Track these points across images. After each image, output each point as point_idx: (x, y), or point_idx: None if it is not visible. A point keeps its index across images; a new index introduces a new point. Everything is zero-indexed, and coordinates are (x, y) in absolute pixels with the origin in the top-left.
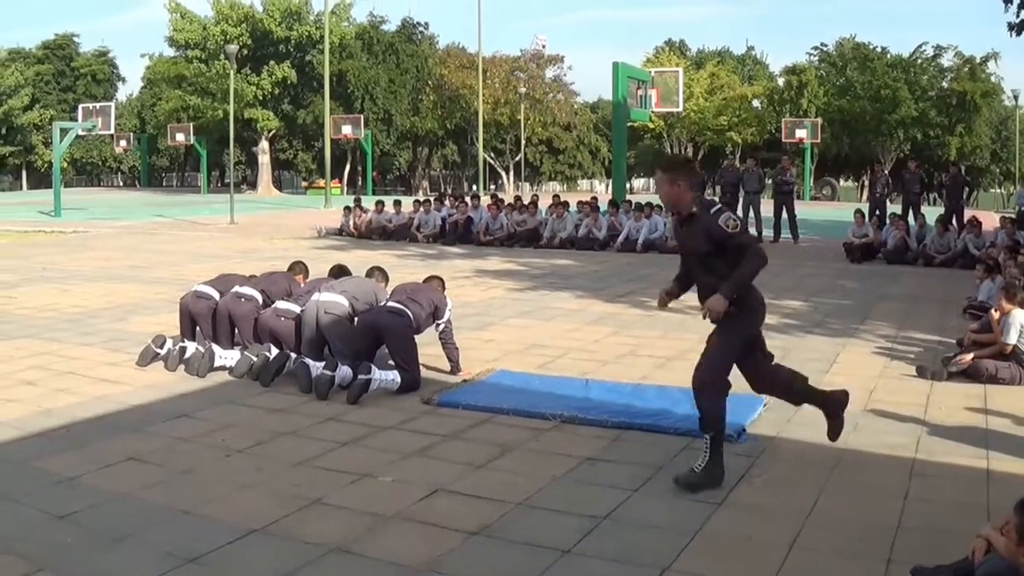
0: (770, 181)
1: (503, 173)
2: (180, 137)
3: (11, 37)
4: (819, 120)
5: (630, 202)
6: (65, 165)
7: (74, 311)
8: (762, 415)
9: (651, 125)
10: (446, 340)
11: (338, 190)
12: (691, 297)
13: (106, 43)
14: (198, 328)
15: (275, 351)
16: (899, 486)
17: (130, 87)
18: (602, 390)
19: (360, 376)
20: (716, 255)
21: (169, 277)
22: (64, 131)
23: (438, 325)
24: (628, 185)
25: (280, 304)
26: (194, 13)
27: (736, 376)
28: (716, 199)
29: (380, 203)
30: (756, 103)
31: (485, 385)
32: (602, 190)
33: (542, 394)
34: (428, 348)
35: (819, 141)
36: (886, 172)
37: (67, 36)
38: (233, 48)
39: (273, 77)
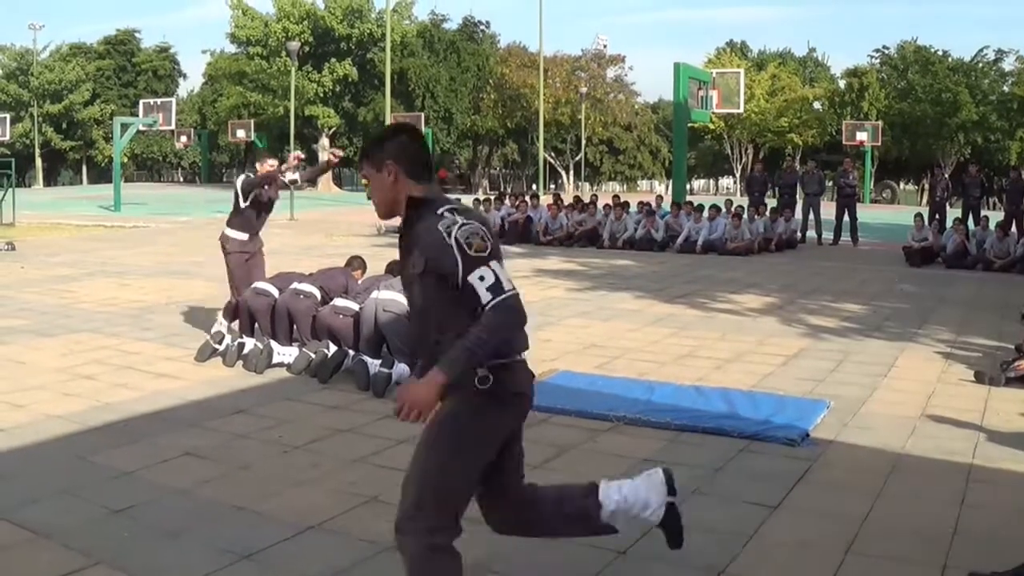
0: (830, 183)
1: (563, 173)
2: (240, 133)
3: (73, 32)
4: (880, 123)
5: (691, 203)
6: (125, 160)
7: (133, 306)
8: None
9: (712, 126)
10: None
11: None
12: (750, 300)
13: (168, 39)
14: (256, 324)
15: (333, 348)
16: (956, 492)
17: (191, 83)
18: (665, 392)
19: None
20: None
21: None
22: (125, 126)
23: None
24: (688, 186)
25: (339, 301)
26: (256, 10)
27: (792, 378)
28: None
29: None
30: (817, 105)
31: (548, 386)
32: (662, 191)
33: (606, 395)
34: None
35: (879, 144)
36: (946, 176)
37: (129, 32)
38: (295, 45)
39: (334, 74)
